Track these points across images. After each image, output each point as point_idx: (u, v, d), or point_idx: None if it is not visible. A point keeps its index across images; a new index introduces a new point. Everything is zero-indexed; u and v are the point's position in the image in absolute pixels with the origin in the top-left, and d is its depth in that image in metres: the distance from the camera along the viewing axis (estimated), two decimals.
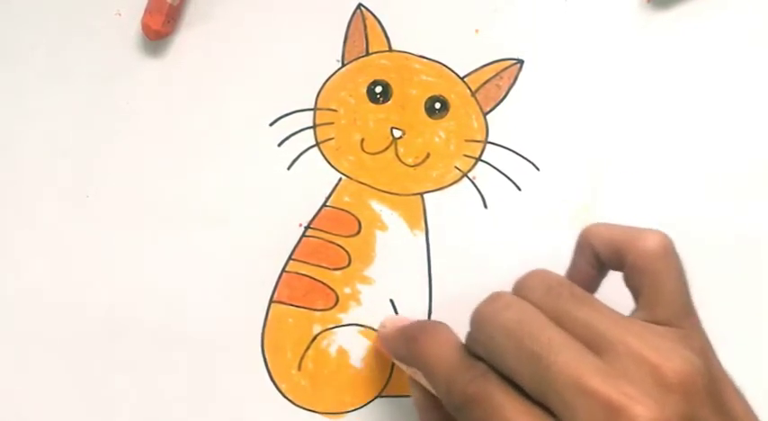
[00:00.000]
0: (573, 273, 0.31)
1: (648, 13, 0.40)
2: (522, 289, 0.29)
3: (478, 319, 0.29)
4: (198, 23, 0.40)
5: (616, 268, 0.30)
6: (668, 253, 0.28)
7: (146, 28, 0.39)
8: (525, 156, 0.39)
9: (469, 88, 0.40)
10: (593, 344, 0.26)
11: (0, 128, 0.40)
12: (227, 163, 0.39)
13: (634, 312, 0.29)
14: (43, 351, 0.38)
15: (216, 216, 0.39)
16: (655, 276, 0.28)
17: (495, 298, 0.29)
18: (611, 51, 0.40)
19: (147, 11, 0.39)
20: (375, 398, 0.38)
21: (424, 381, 0.32)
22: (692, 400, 0.25)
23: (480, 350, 0.28)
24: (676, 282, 0.28)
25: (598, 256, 0.30)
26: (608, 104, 0.39)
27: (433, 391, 0.31)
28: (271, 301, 0.38)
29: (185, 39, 0.40)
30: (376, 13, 0.40)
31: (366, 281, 0.38)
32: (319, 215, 0.39)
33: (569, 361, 0.25)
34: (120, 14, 0.40)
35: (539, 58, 0.40)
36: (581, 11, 0.40)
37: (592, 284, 0.31)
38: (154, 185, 0.39)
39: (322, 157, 0.39)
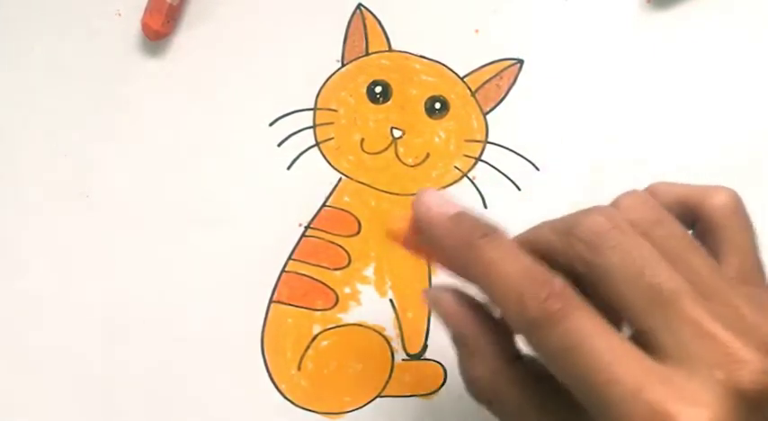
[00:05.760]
0: None
1: (648, 13, 0.40)
2: (629, 211, 0.27)
3: (591, 233, 0.26)
4: (198, 23, 0.40)
5: (687, 227, 0.29)
6: (740, 208, 0.28)
7: (146, 28, 0.39)
8: (525, 156, 0.39)
9: (469, 88, 0.40)
10: (703, 295, 0.25)
11: (0, 128, 0.40)
12: (227, 163, 0.39)
13: None
14: (43, 350, 0.38)
15: (216, 216, 0.39)
16: (729, 231, 0.28)
17: (608, 217, 0.26)
18: (611, 51, 0.40)
19: (147, 11, 0.39)
20: (375, 398, 0.38)
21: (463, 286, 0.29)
22: None
23: (579, 264, 0.26)
24: (750, 238, 0.28)
25: None
26: (608, 104, 0.39)
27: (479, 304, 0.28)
28: (270, 301, 0.38)
29: (185, 39, 0.40)
30: (376, 13, 0.40)
31: (366, 281, 0.38)
32: (319, 215, 0.39)
33: (691, 302, 0.24)
34: (120, 14, 0.40)
35: (539, 58, 0.40)
36: (581, 11, 0.40)
37: None
38: (154, 185, 0.39)
39: (322, 157, 0.39)
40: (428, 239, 0.29)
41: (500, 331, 0.28)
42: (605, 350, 0.23)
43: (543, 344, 0.25)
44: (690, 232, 0.29)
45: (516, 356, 0.28)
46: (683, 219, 0.29)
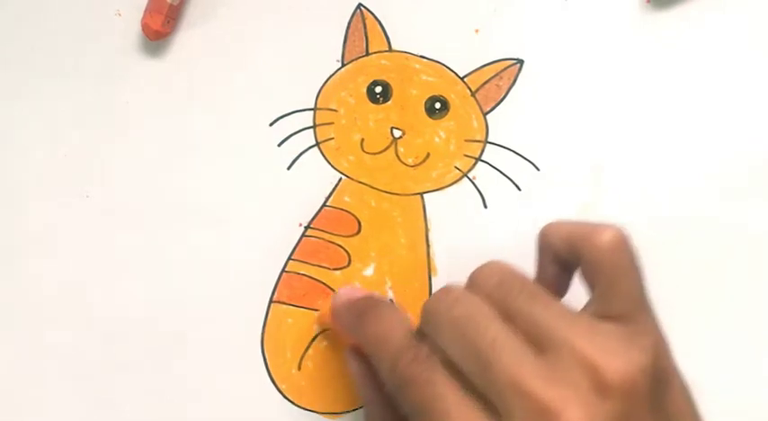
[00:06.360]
0: (540, 275, 0.31)
1: (648, 13, 0.40)
2: (475, 280, 0.30)
3: (427, 313, 0.29)
4: (198, 23, 0.40)
5: (574, 264, 0.30)
6: (622, 247, 0.28)
7: (146, 28, 0.39)
8: (525, 156, 0.39)
9: (469, 88, 0.40)
10: (538, 342, 0.26)
11: (0, 128, 0.40)
12: (227, 163, 0.39)
13: (587, 306, 0.29)
14: (42, 351, 0.38)
15: (216, 216, 0.39)
16: (608, 270, 0.28)
17: (445, 292, 0.29)
18: (611, 51, 0.40)
19: (147, 11, 0.39)
20: None
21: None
22: (631, 403, 0.25)
23: (428, 341, 0.29)
24: (630, 277, 0.28)
25: (557, 255, 0.30)
26: (608, 104, 0.39)
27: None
28: (271, 301, 0.38)
29: (185, 39, 0.40)
30: (376, 13, 0.40)
31: (366, 281, 0.38)
32: (319, 215, 0.39)
33: (510, 361, 0.26)
34: (120, 14, 0.40)
35: (539, 58, 0.40)
36: (581, 11, 0.40)
37: (559, 284, 0.31)
38: (154, 185, 0.39)
39: (322, 157, 0.39)
40: (338, 320, 0.34)
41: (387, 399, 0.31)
42: (450, 410, 0.26)
43: (406, 401, 0.28)
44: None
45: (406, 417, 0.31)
46: (569, 257, 0.30)
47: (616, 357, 0.26)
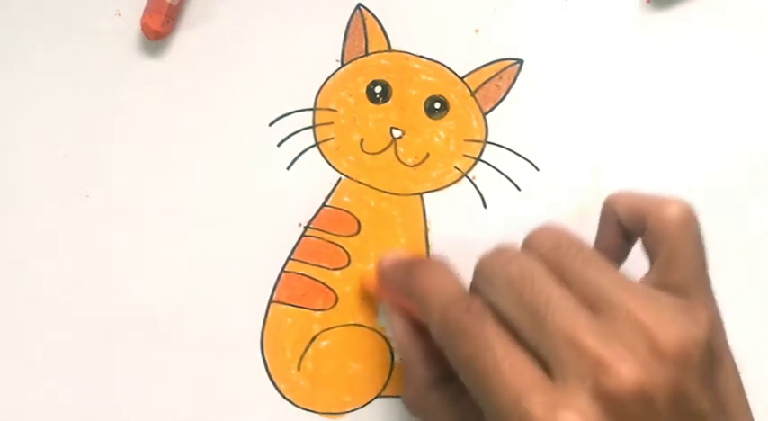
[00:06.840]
0: (600, 242, 0.32)
1: (648, 13, 0.40)
2: (531, 242, 0.29)
3: (482, 270, 0.29)
4: (198, 23, 0.40)
5: (638, 234, 0.30)
6: (689, 222, 0.29)
7: (145, 28, 0.39)
8: (525, 156, 0.39)
9: (469, 88, 0.40)
10: (593, 304, 0.26)
11: (0, 128, 0.40)
12: (227, 163, 0.39)
13: (646, 276, 0.29)
14: (42, 350, 0.38)
15: (216, 216, 0.39)
16: (671, 243, 0.28)
17: (500, 251, 0.29)
18: (611, 51, 0.40)
19: (147, 11, 0.39)
20: (375, 398, 0.38)
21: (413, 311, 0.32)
22: (683, 372, 0.25)
23: (480, 297, 0.28)
24: (692, 252, 0.28)
25: (621, 223, 0.30)
26: (608, 104, 0.39)
27: (423, 321, 0.31)
28: (270, 301, 0.38)
29: (185, 39, 0.40)
30: (375, 13, 0.40)
31: None
32: (319, 215, 0.39)
33: (565, 318, 0.26)
34: (120, 14, 0.41)
35: (538, 58, 0.40)
36: (581, 11, 0.40)
37: (619, 252, 0.31)
38: (154, 185, 0.39)
39: (321, 157, 0.39)
40: (385, 279, 0.35)
41: (433, 356, 0.31)
42: (501, 361, 0.26)
43: (455, 352, 0.27)
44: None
45: (445, 379, 0.31)
46: (633, 226, 0.30)
47: (672, 326, 0.25)
